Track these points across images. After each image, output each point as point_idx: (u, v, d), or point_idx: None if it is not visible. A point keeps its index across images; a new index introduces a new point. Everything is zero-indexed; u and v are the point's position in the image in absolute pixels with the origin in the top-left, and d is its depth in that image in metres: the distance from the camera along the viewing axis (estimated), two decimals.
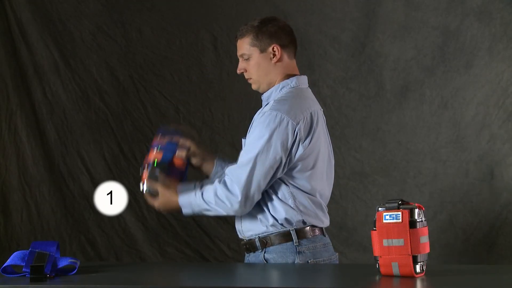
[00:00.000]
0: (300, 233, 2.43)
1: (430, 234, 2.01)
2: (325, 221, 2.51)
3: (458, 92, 4.23)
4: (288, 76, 2.52)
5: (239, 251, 4.15)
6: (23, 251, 2.10)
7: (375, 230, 1.99)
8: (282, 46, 2.50)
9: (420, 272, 1.98)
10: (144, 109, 4.31)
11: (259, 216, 2.45)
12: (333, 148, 2.63)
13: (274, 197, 2.43)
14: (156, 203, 2.55)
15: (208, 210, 2.44)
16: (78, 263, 2.15)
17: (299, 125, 2.39)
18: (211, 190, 2.42)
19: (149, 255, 4.23)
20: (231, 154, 4.18)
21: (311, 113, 2.44)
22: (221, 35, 4.31)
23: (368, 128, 4.29)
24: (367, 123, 4.29)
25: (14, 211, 4.17)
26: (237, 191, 2.37)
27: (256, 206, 2.45)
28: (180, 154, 2.59)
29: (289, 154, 2.39)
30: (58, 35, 4.26)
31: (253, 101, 4.08)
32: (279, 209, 2.42)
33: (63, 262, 2.12)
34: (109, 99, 4.29)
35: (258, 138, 2.39)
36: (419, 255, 1.95)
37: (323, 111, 2.58)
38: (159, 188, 2.53)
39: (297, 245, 2.42)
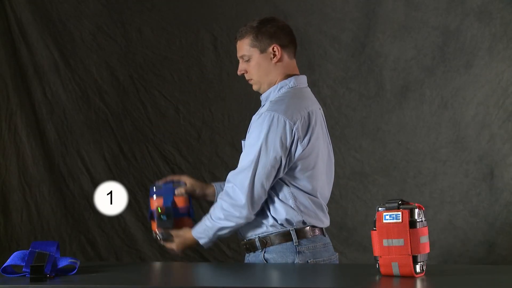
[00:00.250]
0: (300, 233, 2.43)
1: (430, 234, 2.00)
2: (325, 221, 2.51)
3: (458, 92, 4.23)
4: (288, 76, 2.51)
5: (239, 251, 4.15)
6: (23, 251, 2.10)
7: (375, 230, 1.99)
8: (282, 46, 2.50)
9: (420, 272, 1.98)
10: (144, 109, 4.31)
11: (259, 217, 2.45)
12: (333, 148, 2.62)
13: (275, 198, 2.43)
14: (174, 246, 2.55)
15: (221, 229, 2.44)
16: (78, 263, 2.15)
17: (296, 125, 2.39)
18: (217, 207, 2.43)
19: (149, 255, 4.23)
20: (231, 154, 4.21)
21: (308, 113, 2.44)
22: (221, 35, 4.31)
23: (368, 128, 4.29)
24: (367, 123, 4.29)
25: (14, 211, 4.17)
26: (241, 196, 2.37)
27: None
28: (180, 191, 2.59)
29: (289, 154, 2.39)
30: (58, 35, 4.26)
31: (253, 101, 4.08)
32: (280, 210, 2.42)
33: (63, 262, 2.12)
34: (109, 99, 4.29)
35: (257, 140, 2.39)
36: (419, 255, 1.95)
37: (323, 110, 2.57)
38: (172, 232, 2.53)
39: (297, 245, 2.42)
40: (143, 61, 4.32)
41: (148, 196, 2.62)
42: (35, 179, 4.21)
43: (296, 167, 2.41)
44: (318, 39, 4.29)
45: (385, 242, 1.96)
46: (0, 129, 4.18)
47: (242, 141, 2.53)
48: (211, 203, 2.59)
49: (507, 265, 3.94)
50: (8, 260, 2.09)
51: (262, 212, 2.44)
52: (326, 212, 2.53)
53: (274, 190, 2.43)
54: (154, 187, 2.60)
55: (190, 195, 2.62)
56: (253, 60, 2.50)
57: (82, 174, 4.24)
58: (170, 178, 2.65)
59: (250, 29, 2.49)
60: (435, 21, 4.25)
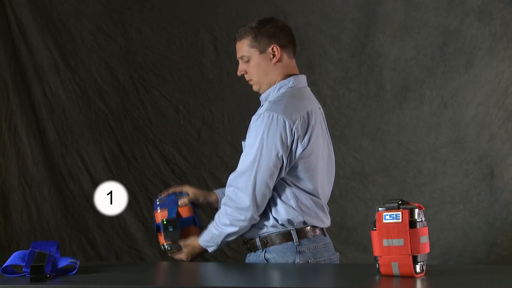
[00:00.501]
0: (301, 233, 2.43)
1: (430, 234, 2.00)
2: (325, 221, 2.51)
3: (458, 92, 4.23)
4: (288, 76, 2.51)
5: (239, 251, 4.15)
6: (23, 251, 2.10)
7: (375, 230, 1.99)
8: (282, 46, 2.50)
9: (420, 272, 1.98)
10: (144, 109, 4.31)
11: (260, 217, 2.44)
12: (333, 148, 2.62)
13: (276, 198, 2.43)
14: (183, 256, 2.56)
15: (228, 235, 2.45)
16: (78, 263, 2.15)
17: (295, 124, 2.39)
18: (222, 214, 2.43)
19: (149, 255, 4.23)
20: (231, 154, 4.21)
21: (308, 112, 2.43)
22: (221, 35, 4.31)
23: (368, 128, 4.29)
24: (367, 123, 4.29)
25: (14, 211, 4.17)
26: (245, 198, 2.37)
27: None
28: (183, 202, 2.59)
29: (290, 153, 2.39)
30: (58, 35, 4.26)
31: (253, 101, 4.08)
32: (281, 210, 2.42)
33: (63, 262, 2.12)
34: (109, 99, 4.29)
35: (256, 141, 2.39)
36: (419, 255, 1.95)
37: (322, 110, 2.57)
38: (180, 242, 2.54)
39: (297, 245, 2.42)
40: (143, 61, 4.32)
41: (152, 209, 2.62)
42: (35, 179, 4.21)
43: (297, 167, 2.41)
44: (318, 39, 4.29)
45: (385, 242, 1.96)
46: (0, 129, 4.18)
47: (242, 142, 2.53)
48: (215, 210, 2.60)
49: (507, 265, 3.94)
50: (8, 260, 2.08)
51: (263, 212, 2.44)
52: (327, 212, 2.53)
53: (275, 190, 2.43)
54: (157, 200, 2.60)
55: (194, 204, 2.62)
56: (253, 61, 2.50)
57: (82, 174, 4.24)
58: (172, 190, 2.64)
59: (249, 29, 2.49)
60: (435, 21, 4.25)
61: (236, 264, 3.31)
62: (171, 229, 2.54)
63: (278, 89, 2.49)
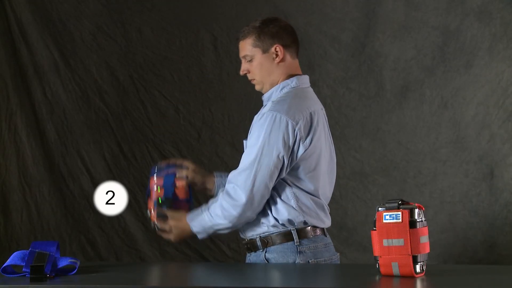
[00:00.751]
0: (301, 233, 2.43)
1: (430, 234, 2.01)
2: (326, 222, 2.51)
3: (458, 92, 4.23)
4: (290, 76, 2.52)
5: (239, 251, 4.15)
6: (23, 251, 2.10)
7: (375, 230, 1.99)
8: (285, 46, 2.51)
9: (420, 272, 1.98)
10: (144, 109, 4.31)
11: (261, 217, 2.45)
12: (334, 147, 2.62)
13: (276, 198, 2.43)
14: (171, 236, 2.55)
15: (219, 228, 2.45)
16: (78, 263, 2.15)
17: (298, 125, 2.39)
18: (217, 205, 2.43)
19: (149, 255, 4.23)
20: (231, 154, 4.21)
21: (310, 113, 2.44)
22: (221, 35, 4.31)
23: (368, 128, 4.29)
24: (367, 123, 4.29)
25: (14, 211, 4.17)
26: (242, 195, 2.37)
27: None
28: (180, 183, 2.58)
29: (291, 154, 2.39)
30: (58, 35, 4.26)
31: (253, 101, 4.09)
32: (282, 210, 2.42)
33: (63, 262, 2.12)
34: (109, 99, 4.29)
35: (258, 140, 2.39)
36: (419, 255, 1.95)
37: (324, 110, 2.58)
38: (171, 223, 2.53)
39: (298, 245, 2.42)
40: (143, 61, 4.32)
41: (149, 175, 2.61)
42: (35, 179, 4.21)
43: (298, 167, 2.41)
44: (318, 39, 4.29)
45: (385, 242, 1.96)
46: (0, 129, 4.18)
47: (244, 141, 2.53)
48: (210, 196, 2.59)
49: (507, 265, 3.94)
50: (8, 260, 2.09)
51: (263, 212, 2.44)
52: (328, 212, 2.53)
53: (276, 190, 2.43)
54: (156, 167, 2.60)
55: (190, 186, 2.61)
56: (256, 60, 2.50)
57: (82, 174, 4.24)
58: (173, 160, 2.65)
59: (253, 29, 2.49)
60: (435, 21, 4.25)
61: (236, 264, 3.31)
62: (164, 209, 2.53)
63: (281, 89, 2.50)
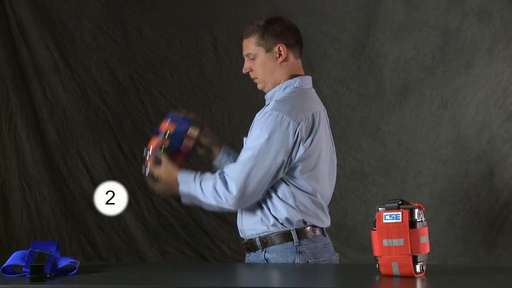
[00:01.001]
0: (301, 233, 2.43)
1: (430, 234, 2.01)
2: (325, 221, 2.51)
3: (458, 92, 4.23)
4: (293, 76, 2.52)
5: (239, 251, 4.15)
6: (23, 251, 2.10)
7: (375, 230, 1.99)
8: (288, 46, 2.51)
9: (420, 272, 1.98)
10: (144, 109, 4.31)
11: (260, 216, 2.45)
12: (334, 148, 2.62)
13: (274, 196, 2.43)
14: (157, 187, 2.55)
15: (205, 203, 2.44)
16: (78, 263, 2.15)
17: (300, 126, 2.39)
18: (210, 182, 2.42)
19: (149, 255, 4.23)
20: None
21: (313, 114, 2.44)
22: (221, 35, 4.31)
23: (368, 128, 4.29)
24: (367, 123, 4.29)
25: (14, 211, 4.17)
26: (234, 189, 2.37)
27: (257, 205, 2.45)
28: (189, 139, 2.58)
29: (290, 155, 2.39)
30: (58, 35, 4.26)
31: (253, 101, 4.09)
32: (280, 208, 2.42)
33: (63, 262, 2.12)
34: (109, 99, 4.29)
35: (259, 138, 2.39)
36: (419, 255, 1.95)
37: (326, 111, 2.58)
38: (162, 172, 2.52)
39: (297, 245, 2.42)
40: (143, 61, 4.32)
41: (165, 117, 2.61)
42: (35, 179, 4.21)
43: (297, 167, 2.42)
44: (318, 39, 4.29)
45: (385, 242, 1.96)
46: (0, 129, 4.18)
47: (244, 138, 2.54)
48: (210, 161, 2.61)
49: (507, 265, 3.94)
50: (8, 260, 2.09)
51: (262, 211, 2.44)
52: (327, 212, 2.53)
53: (274, 189, 2.43)
54: (173, 113, 2.59)
55: (197, 143, 2.61)
56: (259, 59, 2.51)
57: (82, 174, 4.24)
58: (192, 115, 2.62)
59: (257, 27, 2.50)
60: (435, 21, 4.25)
61: (236, 264, 3.31)
62: (168, 144, 2.53)
63: (284, 89, 2.50)
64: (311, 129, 2.42)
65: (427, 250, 1.98)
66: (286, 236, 2.43)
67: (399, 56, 4.27)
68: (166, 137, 2.55)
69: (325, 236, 2.51)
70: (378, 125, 4.29)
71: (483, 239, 4.17)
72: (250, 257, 2.51)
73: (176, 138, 2.57)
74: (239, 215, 2.54)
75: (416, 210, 1.97)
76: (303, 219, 2.43)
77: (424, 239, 1.97)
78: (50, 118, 4.24)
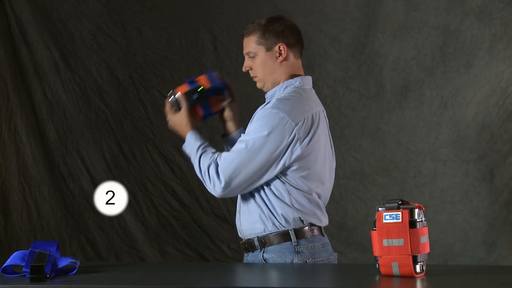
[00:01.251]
0: (299, 233, 2.43)
1: (430, 234, 2.00)
2: (323, 220, 2.50)
3: (458, 92, 4.23)
4: (293, 75, 2.52)
5: (239, 251, 4.15)
6: (23, 251, 2.10)
7: (375, 230, 1.99)
8: (288, 46, 2.51)
9: (420, 272, 1.98)
10: (144, 109, 4.31)
11: (258, 216, 2.45)
12: (333, 148, 2.62)
13: (271, 195, 2.43)
14: (171, 119, 2.57)
15: (197, 172, 2.47)
16: (78, 263, 2.15)
17: (298, 126, 2.39)
18: (207, 161, 2.44)
19: (149, 255, 4.23)
20: None
21: (312, 115, 2.44)
22: (221, 35, 4.31)
23: (368, 128, 4.29)
24: (367, 123, 4.29)
25: (14, 211, 4.17)
26: (222, 178, 2.38)
27: (255, 205, 2.45)
28: (223, 98, 2.60)
29: (283, 154, 2.39)
30: (58, 35, 4.26)
31: (253, 101, 4.08)
32: (276, 206, 2.42)
33: (63, 262, 2.12)
34: (109, 99, 4.29)
35: (255, 132, 2.40)
36: (419, 255, 1.95)
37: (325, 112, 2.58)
38: (176, 118, 2.55)
39: (295, 245, 2.42)
40: (143, 61, 4.32)
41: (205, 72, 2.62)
42: (35, 179, 4.21)
43: (293, 166, 2.41)
44: (318, 39, 4.29)
45: (385, 242, 1.96)
46: (0, 129, 4.18)
47: (242, 135, 2.55)
48: (222, 136, 2.65)
49: (507, 265, 3.94)
50: (8, 260, 2.09)
51: (260, 211, 2.44)
52: (324, 211, 2.53)
53: (270, 187, 2.43)
54: (214, 72, 2.60)
55: (221, 110, 2.63)
56: (259, 58, 2.51)
57: (82, 174, 4.24)
58: (230, 86, 2.61)
59: (258, 26, 2.50)
60: (435, 21, 4.25)
61: (235, 264, 3.31)
62: (196, 96, 2.54)
63: (285, 88, 2.50)
64: (310, 130, 2.42)
65: (427, 250, 1.98)
66: (284, 236, 2.43)
67: (399, 56, 4.27)
68: (198, 90, 2.55)
69: (323, 236, 2.50)
70: (378, 125, 4.29)
71: (483, 239, 4.18)
72: (249, 257, 2.51)
73: (206, 96, 2.57)
74: (237, 215, 2.55)
75: (416, 210, 1.97)
76: (300, 217, 2.43)
77: (424, 239, 1.97)
78: (50, 118, 4.24)
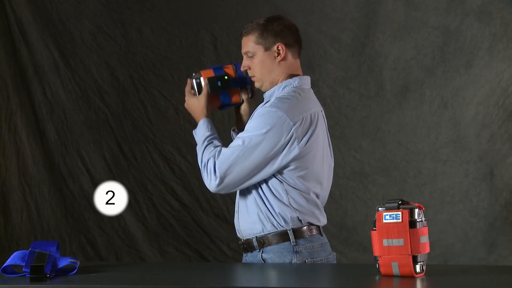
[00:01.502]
0: (297, 232, 2.43)
1: (430, 234, 2.00)
2: (321, 219, 2.50)
3: (458, 92, 4.23)
4: (292, 75, 2.52)
5: (239, 251, 4.13)
6: (23, 251, 2.10)
7: (375, 230, 1.99)
8: (287, 45, 2.51)
9: (420, 272, 1.98)
10: (144, 109, 4.31)
11: (257, 216, 2.45)
12: (333, 148, 2.62)
13: (269, 194, 2.43)
14: (188, 100, 2.61)
15: (199, 162, 2.48)
16: (78, 263, 2.15)
17: (296, 125, 2.39)
18: (209, 153, 2.45)
19: (149, 255, 4.23)
20: None
21: (310, 115, 2.44)
22: (221, 35, 4.31)
23: (368, 128, 4.29)
24: (367, 123, 4.29)
25: (14, 211, 4.17)
26: (218, 173, 2.39)
27: (254, 205, 2.45)
28: (245, 92, 2.61)
29: (280, 153, 2.39)
30: (58, 35, 4.26)
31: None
32: (274, 206, 2.42)
33: (63, 262, 2.12)
34: (109, 99, 4.29)
35: (253, 130, 2.40)
36: (419, 255, 1.95)
37: (323, 111, 2.58)
38: (194, 101, 2.59)
39: (294, 245, 2.42)
40: (143, 61, 4.32)
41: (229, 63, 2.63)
42: (35, 179, 4.21)
43: (289, 166, 2.41)
44: (318, 39, 4.29)
45: (385, 242, 1.96)
46: (0, 129, 4.18)
47: (240, 132, 2.55)
48: (233, 130, 2.64)
49: (507, 265, 3.94)
50: (8, 260, 2.08)
51: (259, 211, 2.44)
52: (323, 210, 2.52)
53: (268, 187, 2.43)
54: (240, 66, 2.59)
55: (239, 104, 2.64)
56: (257, 57, 2.51)
57: (82, 174, 4.24)
58: (252, 80, 2.60)
59: (257, 26, 2.50)
60: (435, 21, 4.25)
61: (235, 264, 3.31)
62: (219, 84, 2.55)
63: (283, 88, 2.50)
64: (308, 130, 2.42)
65: (427, 250, 1.98)
66: (283, 236, 2.43)
67: (399, 56, 4.27)
68: (224, 77, 2.55)
69: (322, 236, 2.50)
70: (378, 125, 4.29)
71: (483, 239, 4.18)
72: (247, 257, 2.51)
73: (228, 86, 2.58)
74: (236, 215, 2.55)
75: (416, 210, 1.97)
76: (298, 217, 2.43)
77: (424, 239, 1.97)
78: (50, 118, 4.24)
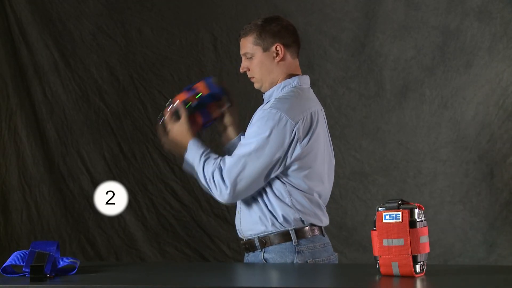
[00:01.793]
0: (299, 233, 2.43)
1: (430, 234, 2.01)
2: (324, 220, 2.51)
3: (458, 92, 4.23)
4: (291, 75, 2.52)
5: (239, 251, 4.15)
6: (23, 251, 2.10)
7: (375, 230, 1.99)
8: (285, 46, 2.51)
9: (420, 272, 1.98)
10: (144, 109, 4.31)
11: (258, 216, 2.45)
12: (333, 148, 2.62)
13: (271, 196, 2.43)
14: (165, 140, 2.55)
15: (200, 179, 2.45)
16: (78, 263, 2.15)
17: (297, 125, 2.39)
18: (211, 167, 2.42)
19: (149, 255, 4.23)
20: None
21: (311, 114, 2.44)
22: (221, 35, 4.31)
23: (368, 128, 4.29)
24: (367, 123, 4.29)
25: (14, 211, 4.17)
26: (227, 183, 2.38)
27: (255, 205, 2.45)
28: (222, 104, 2.59)
29: (286, 154, 2.39)
30: (58, 35, 4.26)
31: (253, 101, 4.09)
32: (276, 207, 2.42)
33: (63, 262, 2.12)
34: (109, 99, 4.29)
35: (256, 135, 2.39)
36: (419, 255, 1.95)
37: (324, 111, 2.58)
38: (176, 129, 2.51)
39: (296, 245, 2.42)
40: (143, 61, 4.32)
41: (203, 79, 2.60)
42: (35, 179, 4.21)
43: (292, 166, 2.42)
44: (318, 39, 4.29)
45: (385, 242, 1.96)
46: (0, 129, 4.18)
47: (241, 136, 2.54)
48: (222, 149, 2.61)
49: (507, 265, 3.94)
50: (8, 260, 2.09)
51: (260, 212, 2.44)
52: (325, 211, 2.53)
53: (271, 187, 2.43)
54: (212, 78, 2.57)
55: (216, 119, 2.62)
56: (256, 58, 2.51)
57: (82, 174, 4.24)
58: (229, 91, 2.59)
59: (255, 27, 2.50)
60: (435, 21, 4.25)
61: (236, 264, 3.31)
62: (196, 103, 2.50)
63: (282, 88, 2.50)
64: (309, 129, 2.42)
65: (427, 250, 1.98)
66: (284, 236, 2.43)
67: (399, 56, 4.27)
68: (197, 97, 2.53)
69: (324, 236, 2.51)
70: (378, 125, 4.29)
71: (483, 239, 4.18)
72: (249, 257, 2.51)
73: (205, 103, 2.55)
74: (237, 215, 2.55)
75: (416, 210, 1.97)
76: (301, 218, 2.43)
77: (424, 239, 1.97)
78: (50, 118, 4.24)
